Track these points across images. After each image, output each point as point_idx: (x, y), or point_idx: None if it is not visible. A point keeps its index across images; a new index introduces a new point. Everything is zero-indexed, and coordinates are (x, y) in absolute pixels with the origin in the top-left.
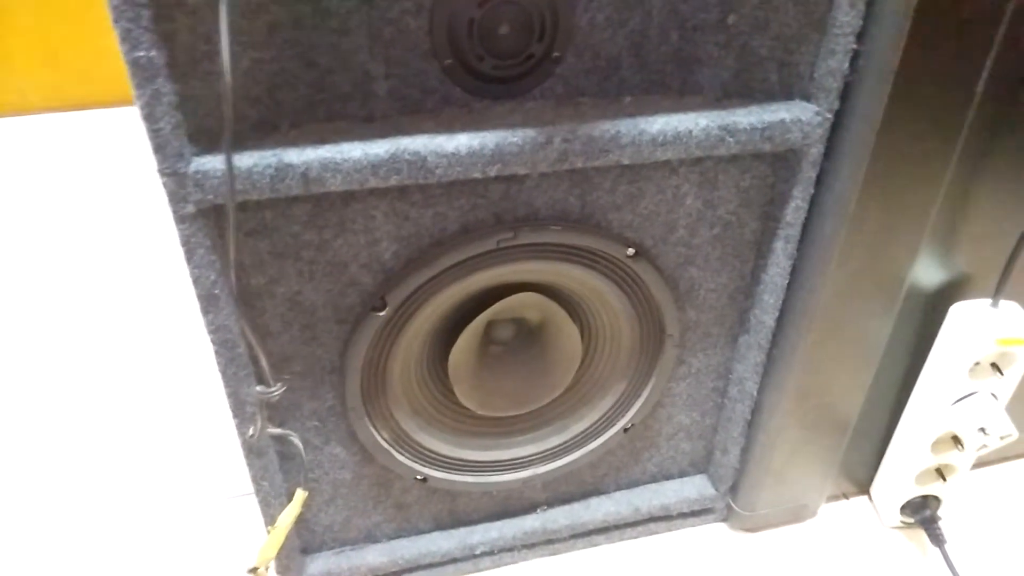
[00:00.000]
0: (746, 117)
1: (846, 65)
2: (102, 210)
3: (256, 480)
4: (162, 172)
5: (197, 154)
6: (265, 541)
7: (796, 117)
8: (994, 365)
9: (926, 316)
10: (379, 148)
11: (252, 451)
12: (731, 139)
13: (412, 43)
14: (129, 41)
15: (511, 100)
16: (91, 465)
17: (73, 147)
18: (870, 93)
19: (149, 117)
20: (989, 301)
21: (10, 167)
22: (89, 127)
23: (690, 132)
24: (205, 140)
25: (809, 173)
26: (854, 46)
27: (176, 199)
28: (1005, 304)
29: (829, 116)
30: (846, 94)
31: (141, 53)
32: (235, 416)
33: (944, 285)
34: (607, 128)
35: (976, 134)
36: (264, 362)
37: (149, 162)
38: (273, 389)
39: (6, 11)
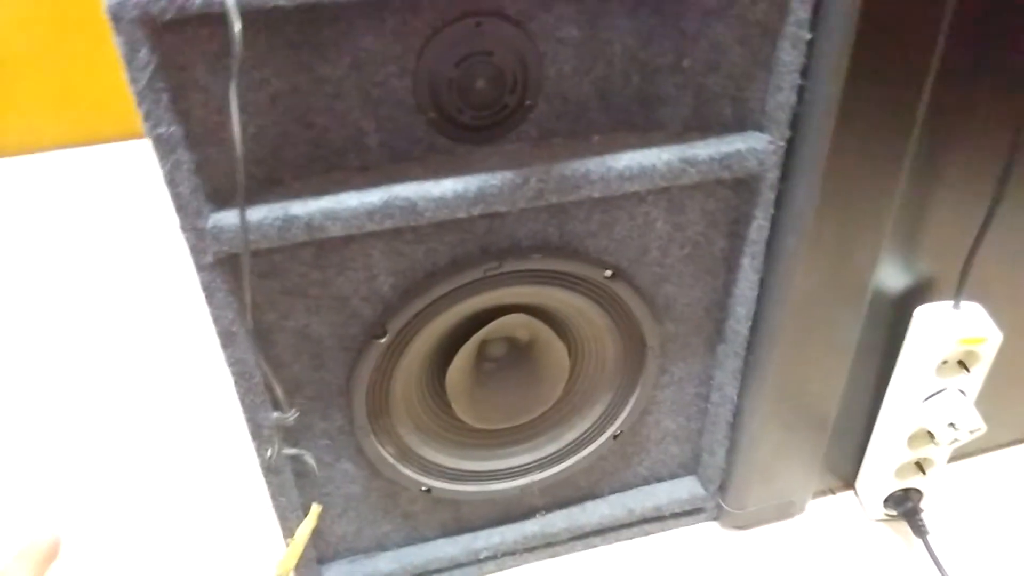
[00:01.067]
0: (705, 149)
1: (793, 98)
2: (121, 242)
3: (274, 497)
4: (184, 229)
5: (214, 211)
6: (284, 553)
7: (751, 147)
8: (961, 363)
9: (894, 318)
10: (373, 196)
11: (270, 470)
12: (692, 169)
13: (398, 101)
14: (151, 120)
15: (490, 145)
16: (117, 488)
17: (89, 181)
18: (818, 120)
19: (171, 183)
20: (951, 303)
21: (28, 204)
22: (106, 161)
23: (654, 166)
24: (220, 198)
25: (768, 195)
26: (799, 81)
27: (197, 251)
28: (967, 305)
29: (782, 144)
30: (796, 123)
31: (162, 129)
32: (254, 439)
33: (907, 289)
34: (578, 167)
35: (924, 147)
36: (279, 391)
37: (164, 196)
38: (288, 414)
39: (14, 49)
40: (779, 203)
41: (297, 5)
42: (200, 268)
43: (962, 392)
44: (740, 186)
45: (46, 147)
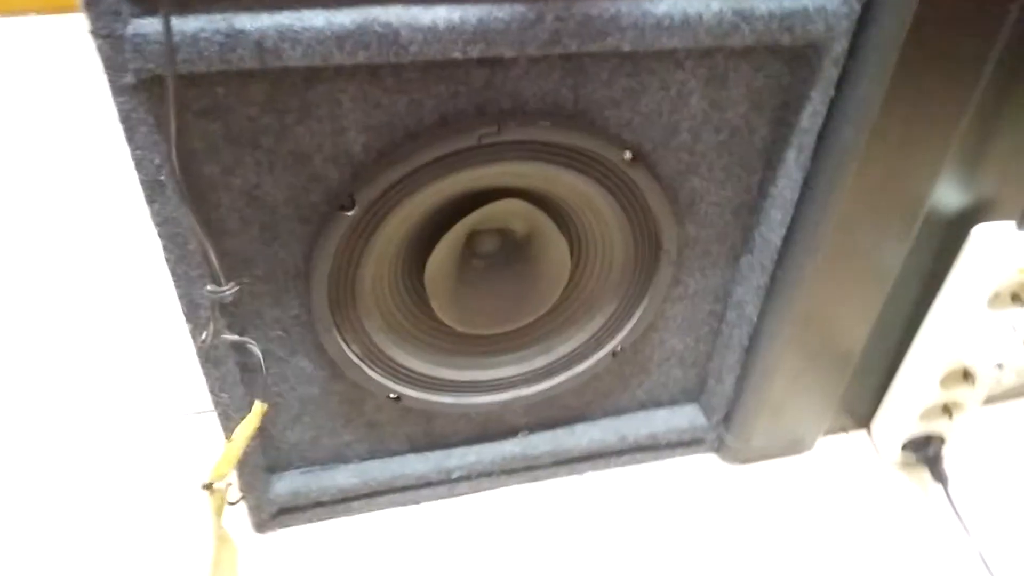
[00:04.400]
0: (764, 2)
1: None
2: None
3: (214, 392)
4: (96, 33)
5: (137, 15)
6: (220, 455)
7: (820, 5)
8: (1015, 296)
9: (944, 240)
10: (345, 17)
11: (208, 360)
12: (746, 27)
13: None
14: None
15: None
16: (45, 383)
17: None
18: None
19: None
20: (1015, 224)
21: None
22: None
23: (700, 16)
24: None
25: (830, 72)
26: None
27: (113, 66)
28: None
29: (857, 7)
30: None
31: None
32: (188, 320)
33: (967, 207)
34: (606, 6)
35: (1016, 40)
36: (214, 258)
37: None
38: (225, 288)
39: None
40: (840, 86)
41: None
42: (118, 91)
43: (1013, 329)
44: (797, 59)
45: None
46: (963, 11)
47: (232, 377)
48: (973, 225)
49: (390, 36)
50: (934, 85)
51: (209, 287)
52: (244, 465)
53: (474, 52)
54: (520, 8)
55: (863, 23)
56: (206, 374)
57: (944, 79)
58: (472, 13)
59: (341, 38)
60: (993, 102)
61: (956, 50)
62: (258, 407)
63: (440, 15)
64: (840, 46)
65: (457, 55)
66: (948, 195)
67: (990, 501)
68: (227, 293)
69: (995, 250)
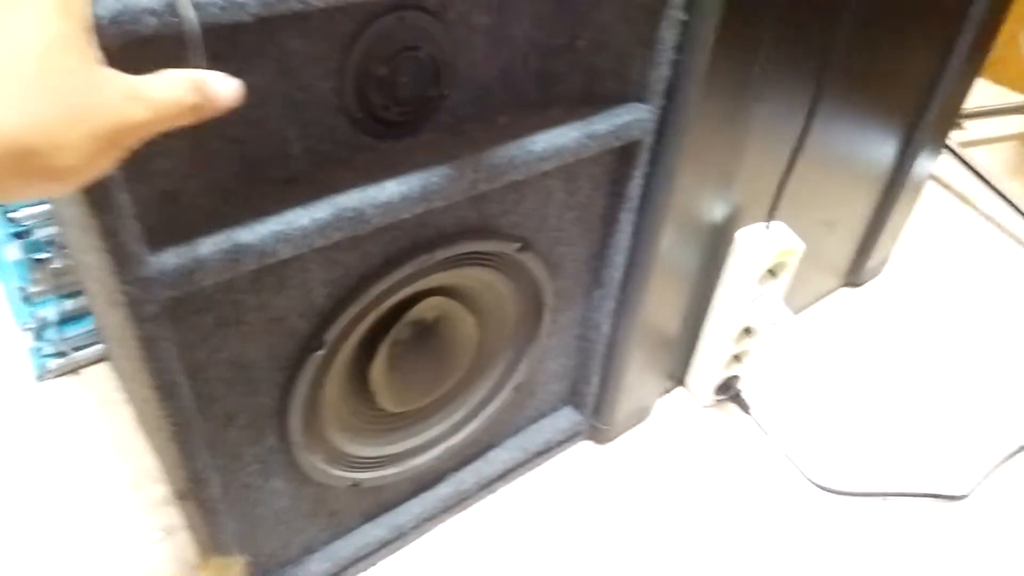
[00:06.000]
0: (601, 124)
1: (668, 71)
2: None
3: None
4: (125, 283)
5: (151, 254)
6: None
7: (636, 117)
8: (771, 272)
9: (717, 242)
10: (322, 211)
11: (209, 511)
12: (593, 143)
13: (321, 103)
14: None
15: (410, 137)
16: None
17: None
18: (688, 90)
19: (110, 234)
20: (764, 225)
21: None
22: None
23: (565, 146)
24: (154, 239)
25: (645, 157)
26: (673, 56)
27: (138, 304)
28: (775, 224)
29: (659, 112)
30: (669, 93)
31: None
32: (192, 483)
33: (729, 218)
34: (503, 154)
35: (751, 111)
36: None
37: None
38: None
39: None
40: (651, 163)
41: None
42: (142, 321)
43: (775, 294)
44: (622, 152)
45: None
46: (727, 97)
47: (224, 520)
48: (735, 230)
49: (358, 217)
50: (714, 150)
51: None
52: None
53: (419, 210)
54: (446, 170)
55: (663, 123)
56: (211, 524)
57: (719, 144)
58: (415, 182)
59: (322, 228)
60: (742, 149)
61: (724, 123)
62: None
63: (392, 190)
64: (650, 139)
65: (406, 215)
66: (719, 213)
67: (781, 414)
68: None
69: (755, 245)
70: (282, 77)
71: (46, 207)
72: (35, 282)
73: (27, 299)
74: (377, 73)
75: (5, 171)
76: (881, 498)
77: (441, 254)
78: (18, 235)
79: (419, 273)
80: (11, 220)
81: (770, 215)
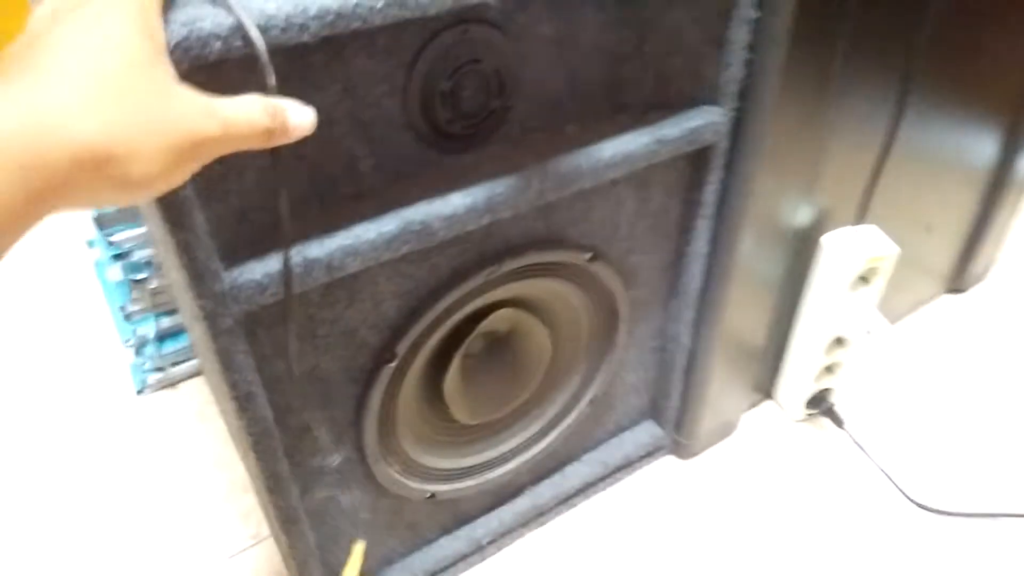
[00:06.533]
0: (672, 128)
1: (742, 72)
2: None
3: (293, 546)
4: (201, 297)
5: (225, 269)
6: None
7: (709, 120)
8: (863, 278)
9: (803, 249)
10: (389, 225)
11: (288, 520)
12: (663, 149)
13: (388, 120)
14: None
15: (476, 151)
16: (78, 525)
17: None
18: (763, 90)
19: (186, 250)
20: (851, 227)
21: None
22: None
23: (634, 151)
24: (227, 255)
25: (719, 161)
26: (747, 56)
27: (214, 317)
28: (866, 227)
29: (733, 114)
30: (743, 94)
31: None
32: (271, 492)
33: (815, 222)
34: (569, 162)
35: (833, 111)
36: (325, 434)
37: None
38: (333, 458)
39: None
40: (727, 168)
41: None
42: (218, 334)
43: (868, 302)
44: (696, 157)
45: None
46: (805, 100)
47: (306, 529)
48: (821, 235)
49: (424, 230)
50: (793, 153)
51: (320, 459)
52: None
53: (485, 221)
54: (512, 181)
55: (737, 125)
56: (286, 532)
57: (799, 146)
58: (480, 194)
59: (388, 241)
60: (822, 150)
61: (804, 123)
62: (359, 547)
63: (457, 202)
64: (724, 143)
65: (473, 227)
66: (803, 217)
67: (877, 429)
68: (335, 462)
69: (843, 251)
70: (349, 96)
71: (143, 230)
72: (134, 301)
73: (128, 317)
74: (441, 88)
75: (83, 176)
76: (988, 518)
77: (509, 265)
78: (118, 257)
79: (488, 285)
80: (111, 243)
81: (859, 218)
